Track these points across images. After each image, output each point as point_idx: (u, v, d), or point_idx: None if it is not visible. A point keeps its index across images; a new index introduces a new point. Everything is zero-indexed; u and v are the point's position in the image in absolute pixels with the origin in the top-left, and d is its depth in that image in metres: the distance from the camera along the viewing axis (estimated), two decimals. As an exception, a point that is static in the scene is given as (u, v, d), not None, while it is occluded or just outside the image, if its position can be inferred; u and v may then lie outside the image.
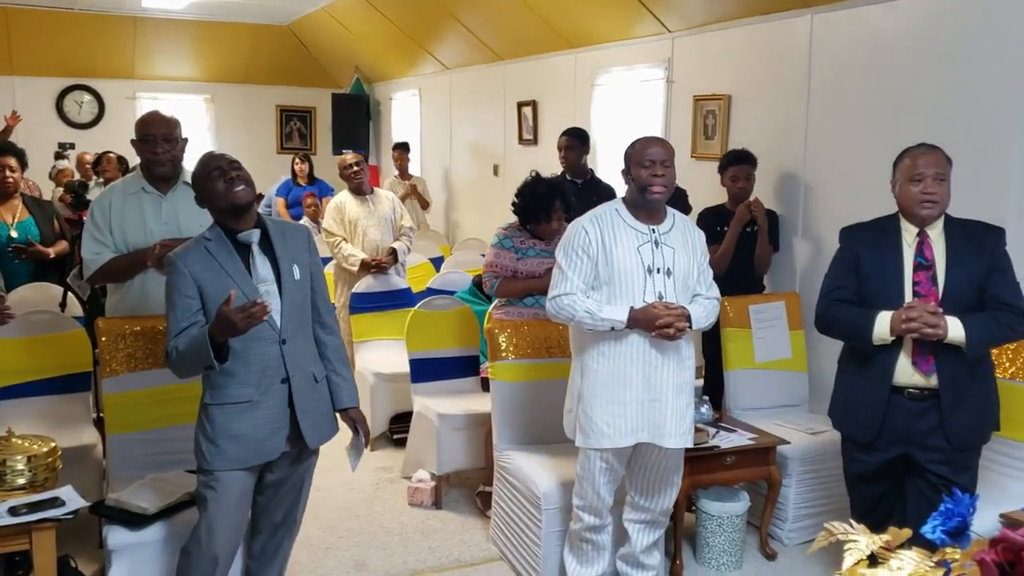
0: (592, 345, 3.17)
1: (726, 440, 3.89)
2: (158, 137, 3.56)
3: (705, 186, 5.14)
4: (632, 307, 3.07)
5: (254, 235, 2.85)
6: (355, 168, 5.77)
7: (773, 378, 4.52)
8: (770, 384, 4.51)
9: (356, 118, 10.82)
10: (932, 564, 1.11)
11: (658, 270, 3.12)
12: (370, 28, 9.57)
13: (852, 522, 1.22)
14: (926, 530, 1.14)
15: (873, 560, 1.19)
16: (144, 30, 10.57)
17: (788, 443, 4.00)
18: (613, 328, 3.08)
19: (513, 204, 4.26)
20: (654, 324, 3.04)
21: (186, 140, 3.70)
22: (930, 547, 1.17)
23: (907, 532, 1.19)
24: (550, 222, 4.16)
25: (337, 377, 3.06)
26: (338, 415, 3.11)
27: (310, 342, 2.99)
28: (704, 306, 3.20)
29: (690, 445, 3.31)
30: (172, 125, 3.63)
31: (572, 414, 3.29)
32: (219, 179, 2.81)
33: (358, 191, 5.79)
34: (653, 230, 3.17)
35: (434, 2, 7.89)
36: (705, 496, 3.92)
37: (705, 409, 4.12)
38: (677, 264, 3.16)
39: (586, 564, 3.46)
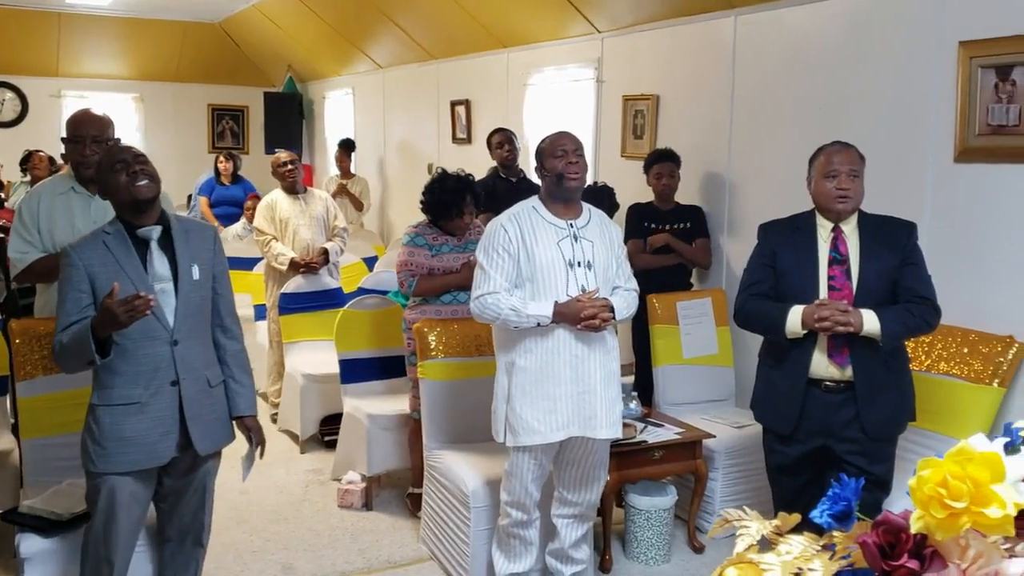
0: (518, 343, 3.19)
1: (654, 435, 3.94)
2: (88, 138, 3.47)
3: (635, 185, 5.19)
4: (556, 302, 3.10)
5: (154, 231, 2.78)
6: (289, 167, 5.71)
7: (700, 373, 4.59)
8: (698, 379, 4.58)
9: (289, 117, 10.71)
10: (819, 548, 1.13)
11: (579, 264, 3.17)
12: (302, 26, 9.47)
13: (746, 509, 1.25)
14: (814, 515, 1.17)
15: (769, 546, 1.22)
16: (69, 26, 10.29)
17: (714, 437, 4.07)
18: (539, 324, 3.10)
19: (422, 202, 4.23)
20: (579, 317, 3.08)
21: (117, 141, 3.61)
22: (819, 531, 1.19)
23: (796, 517, 1.21)
24: (462, 217, 4.16)
25: (235, 383, 2.97)
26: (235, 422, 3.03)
27: (207, 345, 2.91)
28: (624, 297, 3.27)
29: (619, 435, 3.37)
30: (104, 126, 3.54)
31: (500, 414, 3.27)
32: (122, 172, 2.73)
33: (291, 190, 5.72)
34: (571, 224, 3.22)
35: (367, 1, 7.84)
36: (633, 491, 3.96)
37: (634, 405, 4.17)
38: (597, 257, 3.21)
39: (514, 559, 3.47)
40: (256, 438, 3.02)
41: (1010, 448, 1.17)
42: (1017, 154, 3.47)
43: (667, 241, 4.81)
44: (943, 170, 3.76)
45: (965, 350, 3.64)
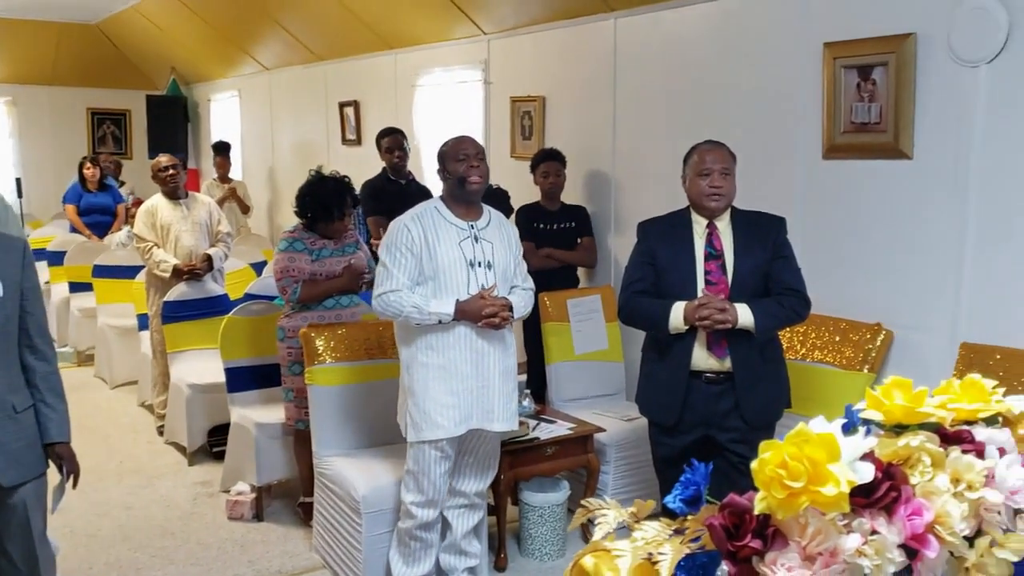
0: (420, 340, 3.26)
1: (546, 431, 3.98)
2: None
3: (524, 185, 5.24)
4: (458, 300, 3.20)
5: None
6: (169, 171, 5.54)
7: (592, 369, 4.67)
8: (589, 375, 4.65)
9: (174, 121, 10.43)
10: (671, 532, 1.17)
11: (479, 263, 3.28)
12: (185, 28, 9.22)
13: (606, 498, 1.28)
14: (668, 500, 1.20)
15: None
16: (-65, 27, 9.81)
17: (604, 431, 4.14)
18: (440, 321, 3.19)
19: (299, 206, 4.15)
20: (480, 314, 3.20)
21: None
22: (674, 516, 1.23)
23: (651, 504, 1.25)
24: (343, 219, 4.13)
25: (46, 408, 2.71)
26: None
27: (12, 367, 2.66)
28: (522, 296, 3.41)
29: (515, 428, 3.48)
30: None
31: (404, 410, 3.33)
32: None
33: (172, 195, 5.56)
34: (472, 226, 3.32)
35: (250, 2, 7.70)
36: (527, 488, 3.99)
37: (527, 403, 4.21)
38: (496, 257, 3.33)
39: (413, 563, 3.46)
40: (68, 467, 2.77)
41: (849, 429, 1.24)
42: (879, 150, 3.64)
43: (548, 254, 4.88)
44: (811, 166, 3.92)
45: (837, 338, 3.80)
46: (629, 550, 1.12)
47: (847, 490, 1.09)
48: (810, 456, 1.10)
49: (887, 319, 3.69)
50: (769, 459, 1.11)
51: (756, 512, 1.12)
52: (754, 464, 1.13)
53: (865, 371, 3.68)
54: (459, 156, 3.30)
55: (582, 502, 1.29)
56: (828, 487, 1.09)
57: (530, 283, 3.50)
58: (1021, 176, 3.22)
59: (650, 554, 1.12)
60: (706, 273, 3.17)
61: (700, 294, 3.13)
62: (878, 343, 3.68)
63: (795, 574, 1.08)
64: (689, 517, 1.19)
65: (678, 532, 1.17)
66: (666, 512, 1.27)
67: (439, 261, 3.23)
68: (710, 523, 1.11)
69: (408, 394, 3.30)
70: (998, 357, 3.21)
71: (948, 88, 3.39)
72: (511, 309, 3.28)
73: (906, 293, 3.63)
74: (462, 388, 3.24)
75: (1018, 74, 3.19)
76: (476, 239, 3.31)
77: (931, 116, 3.46)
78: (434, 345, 3.24)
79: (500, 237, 3.38)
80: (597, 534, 1.21)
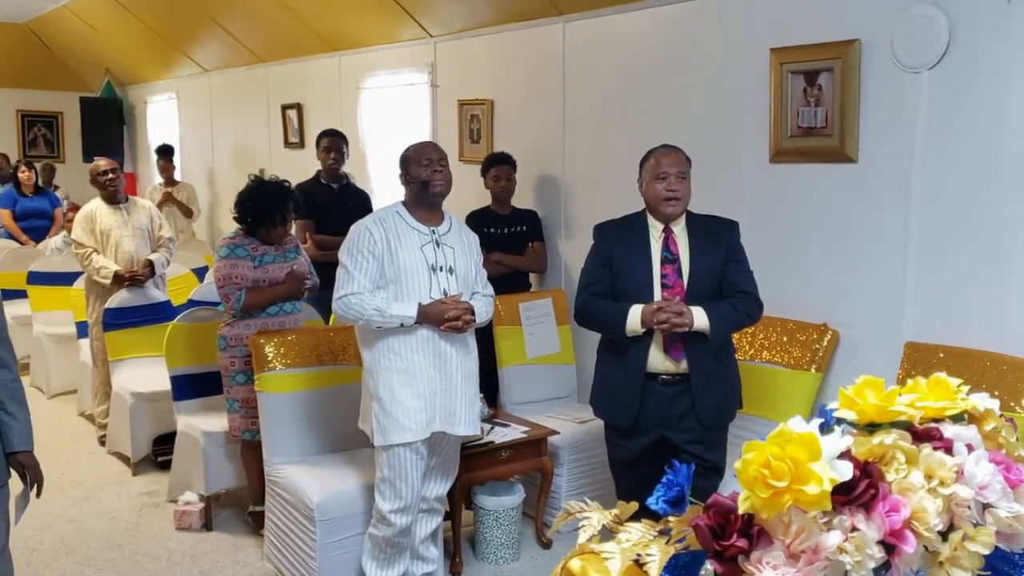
0: (381, 344, 3.25)
1: (501, 435, 3.98)
2: None
3: (473, 190, 5.23)
4: (420, 303, 3.20)
5: None
6: (109, 175, 5.41)
7: (544, 372, 4.68)
8: (541, 378, 4.67)
9: (109, 123, 10.20)
10: (656, 533, 1.18)
11: (441, 268, 3.29)
12: (119, 28, 9.01)
13: (587, 500, 1.28)
14: (650, 502, 1.21)
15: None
16: None
17: (558, 433, 4.15)
18: (402, 324, 3.18)
19: (239, 211, 4.08)
20: (442, 318, 3.20)
21: None
22: (657, 518, 1.24)
23: (634, 505, 1.26)
24: (285, 224, 4.08)
25: (8, 417, 2.65)
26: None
27: None
28: (483, 302, 3.43)
29: (478, 432, 3.52)
30: None
31: (369, 415, 3.30)
32: None
33: (112, 199, 5.43)
34: (433, 231, 3.33)
35: (189, 2, 7.55)
36: (482, 492, 3.99)
37: (480, 406, 4.20)
38: (458, 263, 3.35)
39: (388, 567, 3.44)
40: (32, 476, 2.71)
41: (825, 428, 1.26)
42: (825, 154, 3.72)
43: (499, 259, 4.89)
44: (760, 170, 3.99)
45: (784, 339, 3.87)
46: (618, 552, 1.12)
47: (829, 488, 1.11)
48: (792, 456, 1.12)
49: (833, 319, 3.77)
50: (752, 459, 1.12)
51: (740, 512, 1.13)
52: (737, 464, 1.14)
53: (812, 371, 3.76)
54: (422, 161, 3.31)
55: (564, 505, 1.29)
56: (811, 486, 1.11)
57: (490, 290, 3.53)
58: (962, 179, 3.32)
59: (638, 555, 1.12)
60: (662, 276, 3.20)
61: (657, 297, 3.16)
62: (825, 343, 3.76)
63: (780, 572, 1.10)
64: (672, 518, 1.20)
65: (662, 533, 1.18)
66: (645, 513, 1.28)
67: (401, 265, 3.22)
68: (696, 523, 1.12)
69: (373, 398, 3.27)
70: (941, 355, 3.30)
71: (891, 93, 3.48)
72: (473, 313, 3.29)
73: (852, 294, 3.72)
74: (426, 391, 3.24)
75: (959, 80, 3.29)
76: (438, 244, 3.32)
77: (875, 120, 3.55)
78: (396, 349, 3.23)
79: (461, 243, 3.40)
80: (582, 536, 1.21)
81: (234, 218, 4.12)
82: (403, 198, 3.44)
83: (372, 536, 3.42)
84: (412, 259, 3.25)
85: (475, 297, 3.41)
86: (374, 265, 3.23)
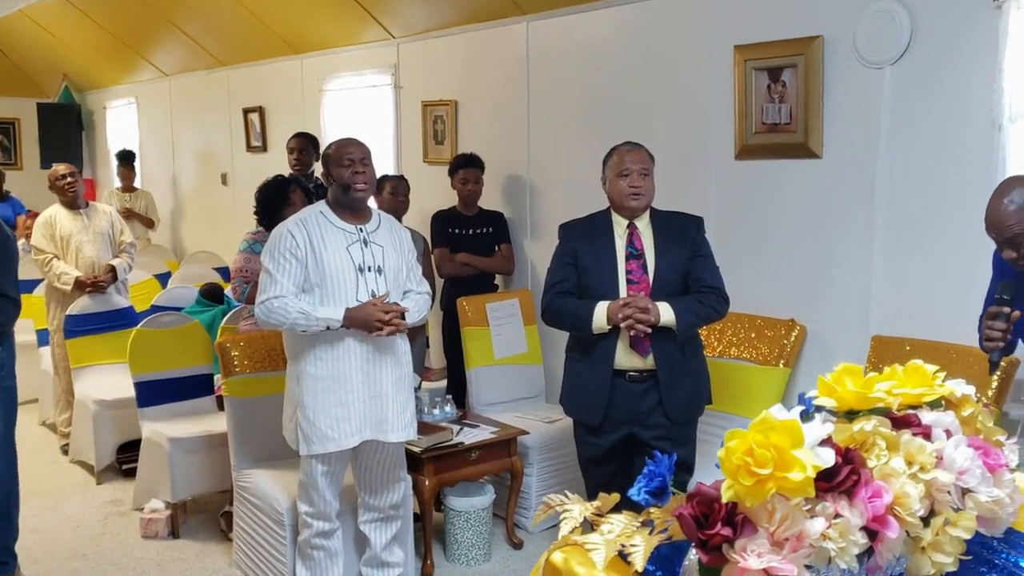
0: (308, 351, 3.14)
1: (470, 436, 3.96)
2: None
3: (437, 190, 5.21)
4: (347, 307, 3.08)
5: None
6: (68, 179, 5.32)
7: (512, 372, 4.67)
8: (509, 378, 4.66)
9: (67, 129, 10.02)
10: (639, 524, 1.17)
11: (369, 268, 3.17)
12: (77, 33, 8.85)
13: (567, 493, 1.27)
14: (632, 492, 1.20)
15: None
16: None
17: (527, 433, 4.14)
18: (328, 328, 3.07)
19: (256, 213, 4.11)
20: (371, 321, 3.07)
21: None
22: (637, 509, 1.23)
23: (615, 497, 1.24)
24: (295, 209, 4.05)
25: None
26: None
27: None
28: (416, 301, 3.30)
29: (413, 438, 3.39)
30: None
31: (293, 423, 3.21)
32: None
33: (72, 205, 5.34)
34: (360, 229, 3.21)
35: (147, 6, 7.44)
36: (452, 493, 3.96)
37: (449, 408, 4.18)
38: (387, 262, 3.22)
39: (319, 573, 3.38)
40: None
41: (805, 416, 1.26)
42: (789, 150, 3.75)
43: (466, 260, 4.87)
44: (725, 166, 4.01)
45: (753, 335, 3.90)
46: (602, 543, 1.11)
47: (813, 475, 1.11)
48: (775, 443, 1.11)
49: (800, 314, 3.80)
50: (736, 447, 1.12)
51: (724, 500, 1.12)
52: (720, 452, 1.14)
53: (780, 366, 3.78)
54: (344, 161, 3.15)
55: (544, 499, 1.28)
56: (794, 472, 1.10)
57: (426, 287, 3.39)
58: (925, 172, 3.36)
59: (623, 546, 1.11)
60: (627, 272, 3.20)
61: (622, 293, 3.16)
62: (792, 338, 3.79)
63: (765, 559, 1.09)
64: (653, 509, 1.19)
65: (645, 524, 1.17)
66: (624, 506, 1.27)
67: (326, 267, 3.09)
68: (680, 513, 1.11)
69: (297, 406, 3.17)
70: (908, 348, 3.34)
71: (854, 89, 3.52)
72: (403, 316, 3.16)
73: (818, 289, 3.75)
74: (353, 399, 3.13)
75: (920, 75, 3.33)
76: (365, 243, 3.18)
77: (839, 116, 3.59)
78: (323, 356, 3.12)
79: (392, 241, 3.26)
80: (563, 529, 1.19)
81: (256, 219, 4.15)
82: (326, 197, 3.29)
83: (299, 542, 3.38)
84: (337, 260, 3.11)
85: (408, 296, 3.28)
86: (297, 267, 3.09)
